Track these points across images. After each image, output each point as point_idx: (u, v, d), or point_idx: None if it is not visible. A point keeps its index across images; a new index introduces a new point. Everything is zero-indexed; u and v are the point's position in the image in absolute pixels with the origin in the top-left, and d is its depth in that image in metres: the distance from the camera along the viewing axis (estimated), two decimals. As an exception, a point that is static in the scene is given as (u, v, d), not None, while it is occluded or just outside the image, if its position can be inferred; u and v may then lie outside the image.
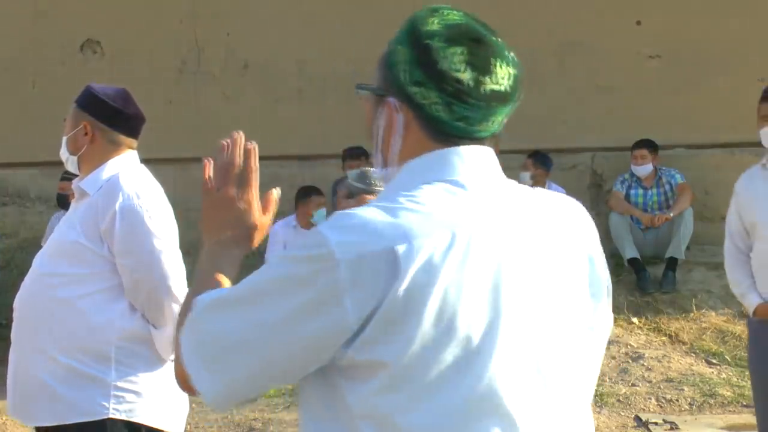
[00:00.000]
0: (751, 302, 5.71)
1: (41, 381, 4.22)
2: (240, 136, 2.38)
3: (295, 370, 2.12)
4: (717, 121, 11.42)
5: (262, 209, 2.38)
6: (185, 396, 4.47)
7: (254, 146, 2.39)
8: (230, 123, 11.86)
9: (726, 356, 9.21)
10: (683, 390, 8.65)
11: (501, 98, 2.21)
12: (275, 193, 2.45)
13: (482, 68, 2.20)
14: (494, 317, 2.08)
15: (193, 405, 8.62)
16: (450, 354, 2.05)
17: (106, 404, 4.18)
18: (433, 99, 2.19)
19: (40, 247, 4.68)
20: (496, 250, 2.11)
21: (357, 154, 10.90)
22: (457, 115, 2.20)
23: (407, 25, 2.28)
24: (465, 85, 2.19)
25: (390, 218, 2.07)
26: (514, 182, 2.27)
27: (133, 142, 4.46)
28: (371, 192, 2.44)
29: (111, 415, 4.18)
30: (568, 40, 11.14)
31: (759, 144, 5.66)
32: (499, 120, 2.24)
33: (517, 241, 2.14)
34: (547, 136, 11.23)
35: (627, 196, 11.06)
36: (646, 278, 10.56)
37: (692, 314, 10.13)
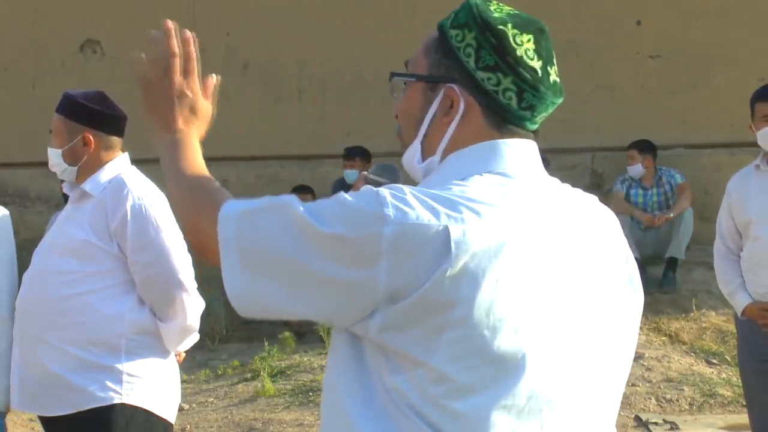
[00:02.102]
0: (740, 302, 5.71)
1: (52, 372, 4.31)
2: (174, 25, 2.37)
3: (313, 309, 2.08)
4: (717, 120, 11.43)
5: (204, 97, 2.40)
6: (178, 388, 4.61)
7: (192, 34, 2.39)
8: (230, 123, 11.91)
9: (726, 356, 9.21)
10: (683, 390, 8.64)
11: (559, 91, 2.22)
12: (215, 77, 2.47)
13: (547, 58, 2.20)
14: (543, 315, 2.06)
15: (193, 405, 8.65)
16: (498, 350, 2.01)
17: (118, 389, 4.28)
18: (507, 85, 2.16)
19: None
20: (547, 246, 2.08)
21: (351, 155, 10.92)
22: (525, 104, 2.18)
23: (466, 10, 2.20)
24: (537, 74, 2.18)
25: (445, 201, 2.03)
26: (554, 178, 2.27)
27: (119, 142, 4.55)
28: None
29: (123, 400, 4.28)
30: (568, 39, 11.14)
31: (759, 144, 5.66)
32: (548, 114, 2.24)
33: (567, 237, 2.13)
34: (547, 135, 11.21)
35: (627, 196, 11.06)
36: (646, 278, 10.54)
37: (692, 314, 10.13)
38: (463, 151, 2.18)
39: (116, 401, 4.28)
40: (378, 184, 2.34)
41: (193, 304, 4.37)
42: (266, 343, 9.43)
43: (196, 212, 2.23)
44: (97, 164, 4.44)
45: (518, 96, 2.17)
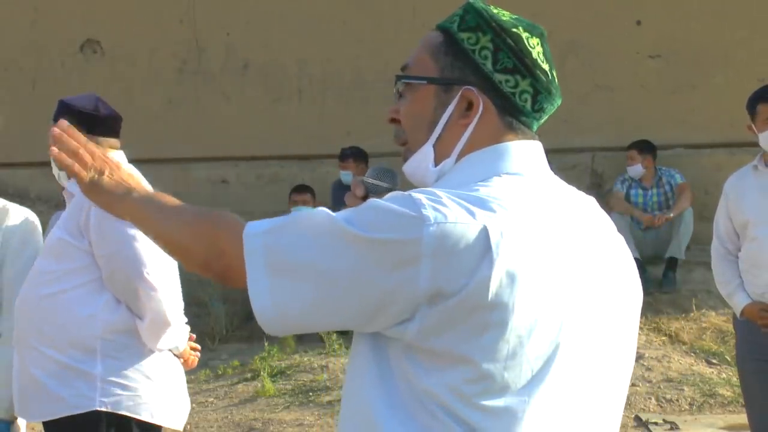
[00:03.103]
0: (739, 302, 5.70)
1: (34, 377, 4.30)
2: (55, 129, 2.32)
3: (349, 316, 2.06)
4: (717, 120, 11.42)
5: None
6: (183, 389, 4.56)
7: (58, 128, 2.33)
8: (230, 123, 11.93)
9: (726, 356, 9.20)
10: (683, 390, 8.64)
11: (560, 93, 2.25)
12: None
13: (551, 62, 2.22)
14: (570, 313, 2.07)
15: (193, 405, 8.63)
16: (535, 348, 2.02)
17: (93, 396, 4.23)
18: (524, 87, 2.18)
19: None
20: (568, 246, 2.09)
21: (344, 156, 10.94)
22: (538, 106, 2.21)
23: (474, 13, 2.21)
24: (548, 76, 2.20)
25: (477, 201, 2.03)
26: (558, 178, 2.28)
27: (116, 142, 4.53)
28: (393, 189, 2.35)
29: (97, 407, 4.23)
30: (568, 39, 11.15)
31: (759, 144, 5.66)
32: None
33: (582, 237, 2.14)
34: (547, 135, 11.21)
35: (627, 196, 11.06)
36: (647, 278, 10.53)
37: (692, 314, 10.12)
38: (479, 153, 2.18)
39: (91, 408, 4.23)
40: (376, 188, 2.32)
41: (161, 298, 4.24)
42: (266, 343, 9.43)
43: (211, 237, 2.16)
44: None
45: (533, 98, 2.19)
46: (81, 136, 2.34)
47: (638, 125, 11.33)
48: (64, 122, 2.36)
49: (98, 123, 4.45)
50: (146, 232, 2.30)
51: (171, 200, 2.27)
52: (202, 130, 11.76)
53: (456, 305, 1.98)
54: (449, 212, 1.99)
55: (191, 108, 11.90)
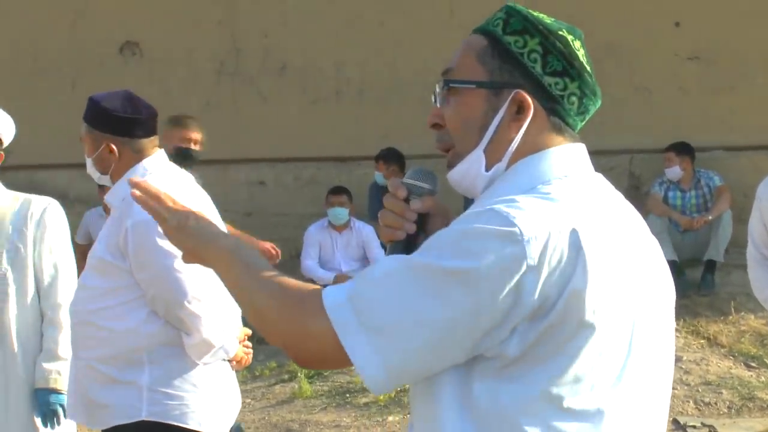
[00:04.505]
0: None
1: (84, 388, 4.33)
2: (134, 181, 2.35)
3: (460, 353, 2.00)
4: (756, 122, 11.36)
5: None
6: (232, 396, 4.54)
7: (140, 179, 2.38)
8: (267, 124, 11.95)
9: (765, 359, 9.15)
10: (722, 393, 8.60)
11: (600, 95, 2.25)
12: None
13: (591, 65, 2.22)
14: (639, 317, 2.08)
15: (231, 406, 8.67)
16: (617, 350, 2.04)
17: (140, 407, 4.23)
18: (572, 90, 2.18)
19: (76, 244, 4.74)
20: (629, 246, 2.10)
21: (377, 158, 11.01)
22: (582, 109, 2.21)
23: (519, 17, 2.19)
24: (593, 79, 2.21)
25: (555, 204, 2.02)
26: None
27: (155, 140, 4.44)
28: (435, 193, 2.34)
29: (145, 417, 4.22)
30: (606, 41, 11.10)
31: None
32: None
33: (637, 238, 2.15)
34: (585, 137, 11.18)
35: (665, 198, 11.01)
36: (685, 281, 10.49)
37: (731, 317, 10.07)
38: (533, 157, 2.16)
39: (140, 418, 4.23)
40: (418, 190, 2.30)
41: (203, 324, 4.19)
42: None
43: (296, 317, 2.06)
44: (128, 168, 4.35)
45: (579, 100, 2.19)
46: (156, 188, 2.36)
47: (676, 127, 11.28)
48: (134, 180, 2.39)
49: (126, 126, 4.35)
50: (229, 288, 2.23)
51: (254, 254, 2.20)
52: (240, 131, 11.79)
53: (556, 313, 1.97)
54: (540, 224, 1.97)
55: (229, 110, 11.93)
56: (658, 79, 11.65)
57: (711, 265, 10.69)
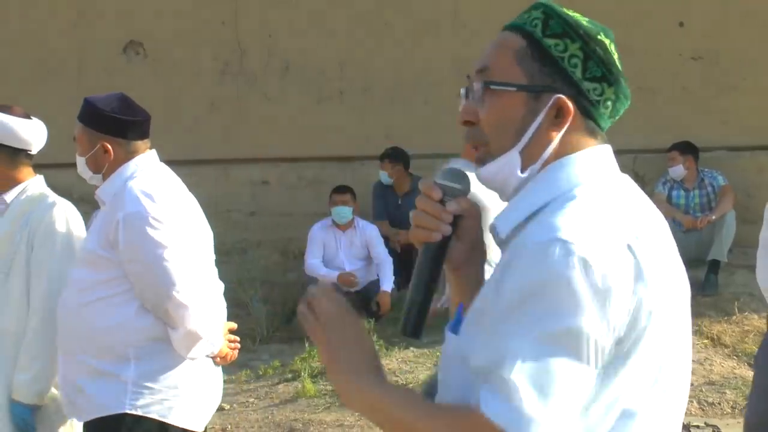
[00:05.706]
0: None
1: (73, 381, 4.41)
2: (314, 291, 2.27)
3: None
4: (759, 122, 11.36)
5: None
6: (213, 393, 4.63)
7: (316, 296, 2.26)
8: (271, 124, 11.95)
9: (768, 359, 9.13)
10: (725, 393, 8.59)
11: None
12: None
13: (623, 68, 2.21)
14: (677, 316, 2.11)
15: (234, 405, 8.67)
16: (658, 356, 2.06)
17: (123, 399, 4.30)
18: (608, 95, 2.17)
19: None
20: (663, 246, 2.13)
21: (381, 157, 11.03)
22: (615, 113, 2.21)
23: (559, 19, 2.19)
24: (626, 83, 2.21)
25: (601, 216, 2.03)
26: None
27: (147, 143, 4.52)
28: (468, 193, 2.31)
29: (127, 410, 4.30)
30: (609, 41, 11.09)
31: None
32: None
33: (668, 240, 2.18)
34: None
35: (669, 198, 11.01)
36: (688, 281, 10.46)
37: (734, 317, 10.06)
38: (568, 159, 2.15)
39: (120, 411, 4.30)
40: (452, 191, 2.28)
41: (191, 315, 4.28)
42: (307, 344, 9.44)
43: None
44: (119, 168, 4.45)
45: (613, 104, 2.19)
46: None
47: (680, 127, 11.28)
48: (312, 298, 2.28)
49: (121, 127, 4.44)
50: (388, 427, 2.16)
51: (409, 390, 2.17)
52: (244, 131, 11.80)
53: (625, 336, 1.99)
54: (597, 239, 1.97)
55: (233, 109, 11.94)
56: (661, 79, 11.64)
57: (714, 265, 10.68)
